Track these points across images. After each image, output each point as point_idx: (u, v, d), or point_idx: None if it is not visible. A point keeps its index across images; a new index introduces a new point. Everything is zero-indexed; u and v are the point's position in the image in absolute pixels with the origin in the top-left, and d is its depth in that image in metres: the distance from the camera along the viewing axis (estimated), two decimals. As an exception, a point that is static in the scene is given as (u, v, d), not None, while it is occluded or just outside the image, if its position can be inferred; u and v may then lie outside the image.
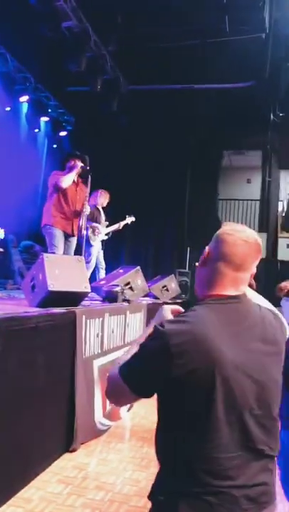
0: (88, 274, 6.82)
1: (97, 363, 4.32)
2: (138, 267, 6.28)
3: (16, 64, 8.83)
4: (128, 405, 4.95)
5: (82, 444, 3.90)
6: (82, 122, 10.84)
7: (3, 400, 2.81)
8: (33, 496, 3.00)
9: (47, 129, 10.76)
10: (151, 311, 6.16)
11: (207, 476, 1.29)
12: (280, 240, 11.05)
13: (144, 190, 8.81)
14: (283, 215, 11.40)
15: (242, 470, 1.31)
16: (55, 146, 10.83)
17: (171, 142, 10.26)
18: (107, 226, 7.36)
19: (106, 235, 7.32)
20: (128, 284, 5.96)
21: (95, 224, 7.06)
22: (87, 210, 5.91)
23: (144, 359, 1.34)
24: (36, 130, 10.27)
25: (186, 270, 9.86)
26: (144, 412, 5.05)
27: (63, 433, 3.73)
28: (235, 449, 1.31)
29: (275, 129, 10.22)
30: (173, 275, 8.27)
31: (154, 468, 1.50)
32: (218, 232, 1.50)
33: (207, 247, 1.50)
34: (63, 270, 4.13)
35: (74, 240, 5.79)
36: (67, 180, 5.54)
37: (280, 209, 11.66)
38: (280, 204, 11.71)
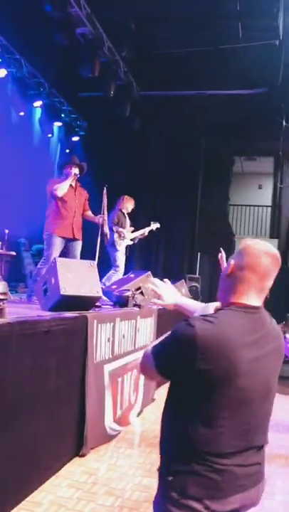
0: (120, 276, 6.87)
1: (107, 368, 4.33)
2: (149, 272, 6.29)
3: (30, 69, 8.91)
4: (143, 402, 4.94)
5: (92, 448, 3.90)
6: (94, 127, 10.90)
7: (14, 403, 2.83)
8: (43, 500, 3.01)
9: (60, 134, 10.84)
10: (162, 316, 6.16)
11: (214, 458, 1.48)
12: (291, 247, 11.02)
13: (156, 195, 8.85)
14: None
15: (242, 453, 1.52)
16: (67, 150, 10.88)
17: (183, 148, 10.28)
18: (132, 232, 7.40)
19: (131, 240, 7.37)
20: (139, 288, 5.96)
21: (120, 229, 7.12)
22: (100, 219, 6.03)
23: (172, 345, 1.51)
24: (49, 135, 10.34)
25: (197, 275, 9.85)
26: (154, 418, 5.05)
27: (74, 437, 3.74)
28: (240, 437, 1.51)
29: (287, 135, 10.20)
30: (183, 280, 8.26)
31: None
32: (241, 245, 1.64)
33: (232, 260, 1.63)
34: (75, 274, 4.16)
35: (78, 244, 5.80)
36: (63, 188, 5.56)
37: (291, 215, 11.63)
38: (291, 210, 11.68)
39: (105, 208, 6.22)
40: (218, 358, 1.44)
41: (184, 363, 1.46)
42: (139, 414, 5.19)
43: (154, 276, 6.51)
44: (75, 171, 5.69)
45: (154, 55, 8.97)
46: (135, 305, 5.45)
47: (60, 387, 3.47)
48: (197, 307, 1.88)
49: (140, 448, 4.24)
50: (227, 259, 1.69)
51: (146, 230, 7.55)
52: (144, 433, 4.70)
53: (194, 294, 8.92)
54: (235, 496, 1.51)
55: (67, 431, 3.66)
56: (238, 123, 9.80)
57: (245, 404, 1.50)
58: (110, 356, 4.42)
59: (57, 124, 10.43)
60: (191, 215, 10.68)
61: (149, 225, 7.61)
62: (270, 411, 1.62)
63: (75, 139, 10.99)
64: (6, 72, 8.14)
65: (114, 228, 7.13)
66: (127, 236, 7.24)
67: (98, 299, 4.53)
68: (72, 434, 3.72)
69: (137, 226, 7.56)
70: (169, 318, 6.03)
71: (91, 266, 4.47)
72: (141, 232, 7.49)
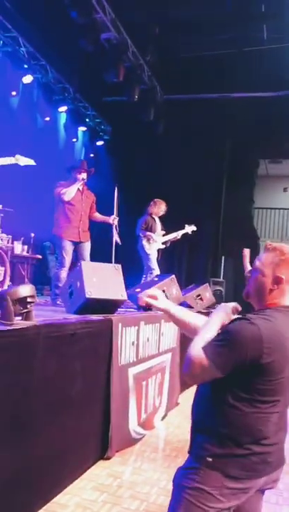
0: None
1: (132, 371, 4.33)
2: (173, 276, 6.28)
3: (56, 75, 9.03)
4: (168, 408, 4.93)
5: (116, 452, 3.91)
6: (118, 131, 10.97)
7: (40, 406, 2.86)
8: (68, 502, 3.02)
9: (84, 139, 10.94)
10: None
11: (258, 440, 1.65)
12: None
13: (180, 199, 8.83)
14: None
15: (275, 433, 1.70)
16: (92, 155, 10.98)
17: (207, 151, 10.25)
18: (164, 235, 7.35)
19: (163, 243, 7.34)
20: (163, 292, 5.95)
21: (149, 233, 7.12)
22: (115, 221, 6.05)
23: (236, 343, 1.60)
24: (74, 139, 10.44)
25: (221, 279, 9.78)
26: (179, 422, 5.03)
27: (98, 440, 3.75)
28: (277, 417, 1.69)
29: (313, 137, 10.07)
30: (207, 284, 8.22)
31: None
32: (282, 250, 1.77)
33: (281, 275, 1.75)
34: (100, 278, 4.18)
35: (86, 246, 5.85)
36: (70, 193, 5.61)
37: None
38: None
39: (117, 207, 6.22)
40: (278, 350, 1.61)
41: (250, 358, 1.58)
42: (163, 418, 5.17)
43: (178, 280, 6.51)
44: (83, 176, 5.72)
45: (177, 59, 8.98)
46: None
47: (85, 390, 3.48)
48: (195, 319, 1.95)
49: (165, 452, 4.22)
50: (251, 261, 1.79)
51: (179, 234, 7.47)
52: (168, 437, 4.68)
53: (218, 298, 8.86)
54: (264, 477, 1.69)
55: (92, 433, 3.67)
56: (262, 125, 9.72)
57: (287, 391, 1.70)
58: (135, 359, 4.42)
59: (81, 128, 10.53)
60: (216, 218, 10.62)
61: (181, 228, 7.53)
62: None
63: (100, 143, 11.08)
64: (32, 78, 8.27)
65: (142, 233, 7.11)
66: (157, 240, 7.19)
67: (123, 302, 4.55)
68: (97, 437, 3.74)
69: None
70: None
71: (116, 269, 4.49)
72: (174, 235, 7.42)
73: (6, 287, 5.12)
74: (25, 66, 8.16)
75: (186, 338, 1.66)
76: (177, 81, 9.56)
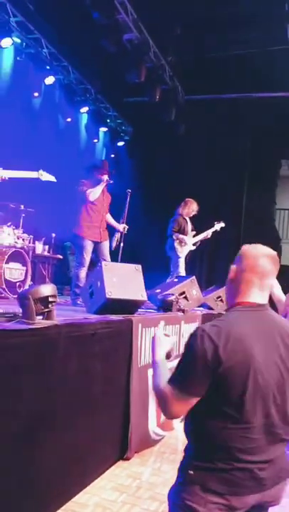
0: None
1: (151, 372, 4.31)
2: (193, 277, 6.25)
3: (77, 76, 9.07)
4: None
5: (136, 452, 3.90)
6: (139, 132, 10.96)
7: (61, 405, 2.86)
8: (88, 502, 3.03)
9: (105, 139, 10.97)
10: (206, 321, 6.08)
11: (237, 454, 1.55)
12: None
13: (201, 199, 8.77)
14: None
15: (263, 449, 1.58)
16: (112, 155, 11.00)
17: (228, 151, 10.17)
18: (195, 236, 7.29)
19: (193, 244, 7.28)
20: (183, 293, 5.93)
21: (181, 236, 7.06)
22: (125, 229, 6.07)
23: (191, 362, 1.57)
24: (95, 140, 10.48)
25: (242, 281, 9.69)
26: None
27: (118, 441, 3.75)
28: (261, 431, 1.58)
29: None
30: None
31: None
32: (240, 250, 1.78)
33: (232, 266, 1.78)
34: (121, 278, 4.18)
35: (106, 244, 5.85)
36: (95, 193, 5.61)
37: None
38: None
39: (126, 214, 6.21)
40: (235, 355, 1.53)
41: (207, 372, 1.53)
42: (182, 419, 5.14)
43: (199, 282, 6.47)
44: (106, 177, 5.73)
45: (199, 59, 8.94)
46: (179, 310, 5.42)
47: (105, 390, 3.49)
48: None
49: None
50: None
51: (209, 232, 7.35)
52: (187, 439, 4.65)
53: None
54: (256, 494, 1.59)
55: (112, 434, 3.67)
56: (285, 125, 9.60)
57: (264, 398, 1.57)
58: (155, 360, 4.40)
59: (102, 129, 10.56)
60: (237, 219, 10.52)
61: (211, 227, 7.43)
62: (288, 405, 1.65)
63: (120, 144, 11.09)
64: (53, 79, 8.32)
65: (175, 236, 7.05)
66: (188, 242, 7.13)
67: (143, 302, 4.54)
68: (116, 437, 3.74)
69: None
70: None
71: (136, 270, 4.48)
72: (204, 234, 7.32)
73: (27, 287, 5.16)
74: (48, 67, 8.21)
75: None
76: (199, 81, 9.50)
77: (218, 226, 7.49)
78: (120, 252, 6.14)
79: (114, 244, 6.10)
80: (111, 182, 5.77)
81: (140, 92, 9.04)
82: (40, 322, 2.65)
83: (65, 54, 8.44)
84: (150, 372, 4.31)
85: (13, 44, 7.23)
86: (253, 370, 1.54)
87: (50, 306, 2.71)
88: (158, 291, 6.07)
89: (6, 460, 2.36)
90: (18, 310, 2.71)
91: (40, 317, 2.71)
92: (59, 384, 2.83)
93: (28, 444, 2.54)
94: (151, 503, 3.13)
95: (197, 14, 7.87)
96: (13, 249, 5.31)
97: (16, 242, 5.74)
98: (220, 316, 1.73)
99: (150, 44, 8.36)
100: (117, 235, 6.14)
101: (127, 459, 3.77)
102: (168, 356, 1.93)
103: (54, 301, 2.73)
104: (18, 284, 5.25)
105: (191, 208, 7.23)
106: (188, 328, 5.47)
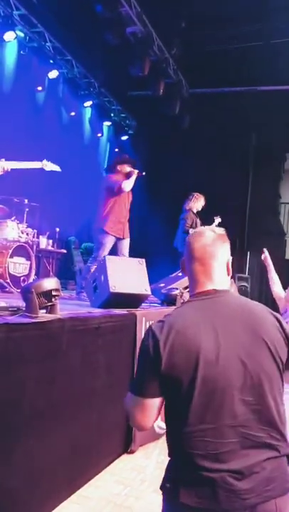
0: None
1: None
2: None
3: (81, 70, 9.04)
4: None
5: (140, 446, 3.91)
6: (143, 126, 10.93)
7: (65, 399, 2.87)
8: (92, 495, 3.04)
9: (109, 133, 10.94)
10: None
11: (203, 460, 1.36)
12: None
13: (205, 193, 8.76)
14: None
15: (237, 455, 1.37)
16: (116, 150, 10.98)
17: (232, 145, 10.13)
18: None
19: None
20: (187, 287, 5.91)
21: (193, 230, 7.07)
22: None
23: (142, 362, 1.48)
24: (99, 134, 10.45)
25: (246, 275, 9.67)
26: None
27: (122, 434, 3.76)
28: (231, 435, 1.37)
29: None
30: (232, 280, 8.13)
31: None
32: None
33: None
34: (125, 272, 4.18)
35: (127, 242, 5.83)
36: (130, 184, 5.59)
37: None
38: None
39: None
40: (177, 349, 1.40)
41: (153, 369, 1.42)
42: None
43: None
44: (136, 171, 5.71)
45: (203, 52, 8.89)
46: (183, 303, 5.42)
47: (109, 383, 3.49)
48: None
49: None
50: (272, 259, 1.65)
51: None
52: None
53: (244, 294, 8.77)
54: (239, 510, 1.35)
55: (116, 427, 3.68)
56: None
57: (223, 395, 1.38)
58: (159, 354, 4.40)
59: (106, 123, 10.53)
60: (241, 213, 10.50)
61: (212, 222, 7.45)
62: (269, 403, 1.43)
63: (124, 138, 11.06)
64: (57, 73, 8.29)
65: (191, 231, 7.03)
66: None
67: (147, 296, 4.54)
68: (120, 431, 3.74)
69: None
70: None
71: (140, 264, 4.48)
72: None
73: (31, 281, 5.17)
74: (51, 61, 8.19)
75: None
76: (203, 75, 9.46)
77: (217, 221, 7.51)
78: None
79: None
80: (143, 174, 5.75)
81: (144, 85, 9.00)
82: (43, 316, 2.65)
83: (68, 48, 8.41)
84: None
85: (16, 38, 7.20)
86: (201, 363, 1.38)
87: (53, 300, 2.71)
88: (162, 285, 6.07)
89: (9, 452, 2.37)
90: (22, 304, 2.71)
91: (44, 311, 2.72)
92: (62, 377, 2.83)
93: (32, 436, 2.55)
94: (155, 497, 3.13)
95: (201, 7, 7.81)
96: (17, 244, 5.31)
97: (20, 237, 5.74)
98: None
99: (154, 37, 8.32)
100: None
101: (132, 452, 3.78)
102: None
103: (57, 295, 2.73)
104: (22, 278, 5.26)
105: (200, 202, 7.23)
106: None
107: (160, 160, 10.19)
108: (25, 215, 6.37)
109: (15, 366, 2.38)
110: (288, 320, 1.96)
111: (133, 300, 4.27)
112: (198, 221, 7.22)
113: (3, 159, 4.75)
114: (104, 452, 3.48)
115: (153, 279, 5.28)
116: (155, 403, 1.47)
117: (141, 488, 3.24)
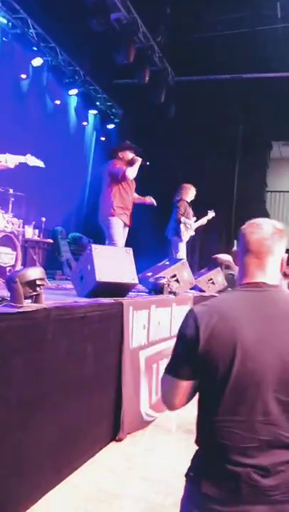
0: None
1: (143, 354, 4.33)
2: (184, 259, 6.24)
3: (66, 57, 8.94)
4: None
5: (128, 434, 3.92)
6: (129, 114, 10.86)
7: (52, 388, 2.86)
8: (80, 483, 3.05)
9: (95, 122, 10.86)
10: (197, 304, 6.10)
11: (229, 452, 1.37)
12: None
13: (192, 182, 8.76)
14: None
15: (264, 452, 1.36)
16: (103, 138, 10.91)
17: (219, 133, 10.12)
18: (195, 221, 7.35)
19: (194, 230, 7.33)
20: (174, 276, 5.92)
21: (188, 220, 7.08)
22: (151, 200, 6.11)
23: (180, 344, 1.47)
24: (84, 123, 10.37)
25: (233, 263, 9.71)
26: (190, 405, 5.02)
27: (110, 422, 3.77)
28: (261, 431, 1.36)
29: None
30: (219, 268, 8.15)
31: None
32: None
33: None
34: (112, 261, 4.16)
35: (127, 231, 5.84)
36: (135, 172, 5.56)
37: None
38: None
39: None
40: (218, 334, 1.39)
41: (190, 351, 1.41)
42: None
43: (190, 264, 6.47)
44: (140, 158, 5.67)
45: (189, 40, 8.83)
46: (170, 292, 5.43)
47: (97, 373, 3.49)
48: None
49: (177, 434, 4.23)
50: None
51: (204, 220, 7.44)
52: (180, 420, 4.68)
53: (230, 282, 8.81)
54: (261, 506, 1.35)
55: (104, 415, 3.69)
56: (276, 107, 9.55)
57: (258, 389, 1.36)
58: (146, 342, 4.42)
59: (92, 112, 10.45)
60: (228, 202, 10.52)
61: (205, 214, 7.48)
62: None
63: (110, 126, 10.99)
64: (41, 61, 8.20)
65: (183, 219, 7.04)
66: (192, 227, 7.16)
67: (134, 285, 4.53)
68: (108, 419, 3.75)
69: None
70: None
71: (127, 253, 4.46)
72: (201, 222, 7.40)
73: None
74: (35, 48, 8.08)
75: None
76: (189, 62, 9.41)
77: (211, 215, 7.55)
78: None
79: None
80: (147, 163, 5.71)
81: (130, 73, 8.93)
82: (28, 305, 2.63)
83: (52, 35, 8.30)
84: (142, 354, 4.32)
85: (-2, 24, 7.10)
86: (239, 354, 1.36)
87: (38, 289, 2.69)
88: (149, 274, 6.07)
89: (-4, 443, 2.36)
90: (7, 294, 2.69)
91: (29, 301, 2.70)
92: (49, 367, 2.82)
93: (19, 425, 2.54)
94: (143, 484, 3.16)
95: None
96: (3, 234, 5.26)
97: (5, 227, 5.67)
98: (211, 298, 1.62)
99: (139, 24, 8.24)
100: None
101: (119, 440, 3.79)
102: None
103: (42, 285, 2.71)
104: (8, 268, 5.22)
105: (191, 192, 7.26)
106: (179, 311, 5.48)
107: (147, 149, 10.11)
108: (10, 205, 6.30)
109: (0, 356, 2.36)
110: None
111: (120, 289, 4.26)
112: (191, 211, 7.24)
113: None
114: (92, 440, 3.49)
115: (141, 268, 5.28)
116: (190, 386, 1.49)
117: (129, 475, 3.26)
